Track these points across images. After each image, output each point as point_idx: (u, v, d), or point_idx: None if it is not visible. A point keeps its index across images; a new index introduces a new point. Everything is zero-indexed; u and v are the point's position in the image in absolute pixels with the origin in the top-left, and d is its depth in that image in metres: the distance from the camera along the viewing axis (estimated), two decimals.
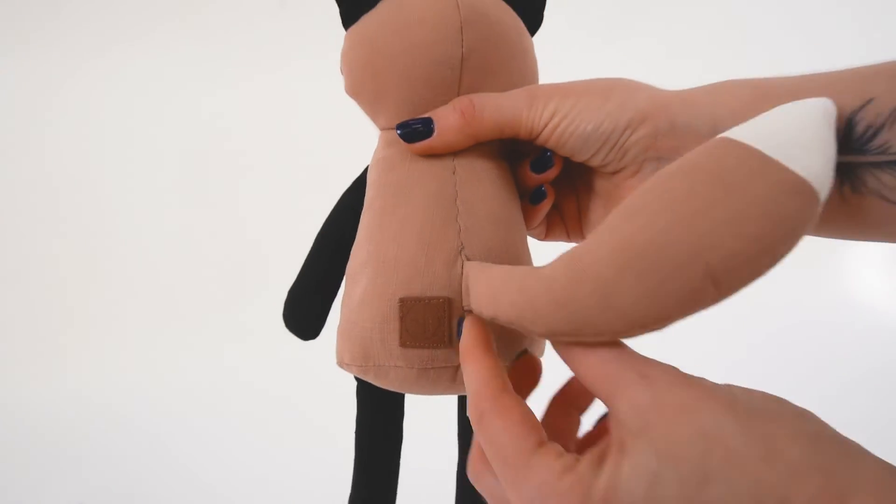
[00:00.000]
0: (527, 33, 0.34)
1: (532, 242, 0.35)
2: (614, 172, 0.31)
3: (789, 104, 0.24)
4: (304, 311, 0.34)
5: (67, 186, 1.47)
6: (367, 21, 0.31)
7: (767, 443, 0.20)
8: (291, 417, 1.18)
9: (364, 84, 0.32)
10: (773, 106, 0.25)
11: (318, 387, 0.96)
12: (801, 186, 0.21)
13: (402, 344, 0.29)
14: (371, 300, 0.30)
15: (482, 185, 0.31)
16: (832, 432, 0.21)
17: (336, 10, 0.32)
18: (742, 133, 0.23)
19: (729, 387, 0.22)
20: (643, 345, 0.23)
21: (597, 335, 0.23)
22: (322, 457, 0.91)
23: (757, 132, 0.22)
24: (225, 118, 1.46)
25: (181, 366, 1.33)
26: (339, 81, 0.34)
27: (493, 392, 0.25)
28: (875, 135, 0.24)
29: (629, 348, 0.24)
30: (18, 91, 1.48)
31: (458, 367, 0.29)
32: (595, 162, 0.31)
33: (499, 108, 0.30)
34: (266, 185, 1.44)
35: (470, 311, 0.29)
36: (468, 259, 0.29)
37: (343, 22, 0.33)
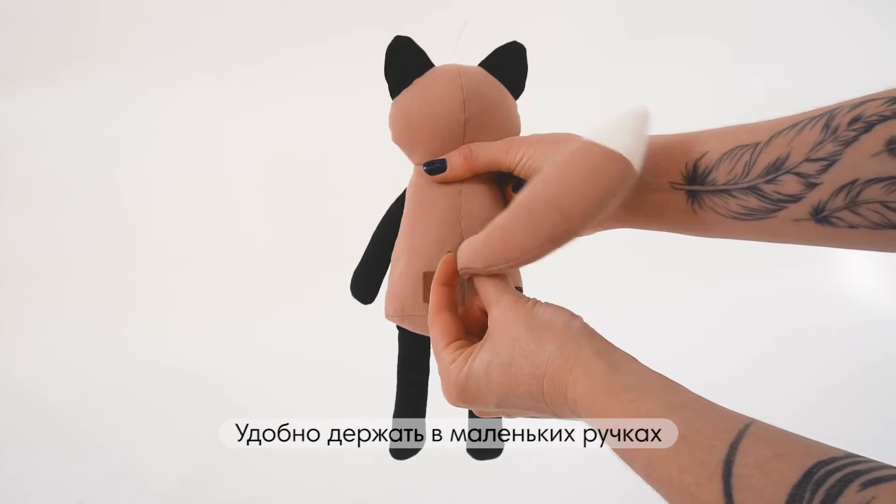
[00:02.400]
0: (511, 99, 0.51)
1: None
2: None
3: (621, 111, 0.40)
4: (365, 283, 0.52)
5: (146, 179, 1.60)
6: (406, 95, 0.49)
7: (540, 342, 0.38)
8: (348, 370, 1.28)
9: (403, 137, 0.50)
10: (652, 158, 0.42)
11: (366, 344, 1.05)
12: (613, 155, 0.38)
13: (424, 300, 0.47)
14: (406, 274, 0.48)
15: (479, 201, 0.48)
16: (577, 333, 0.38)
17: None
18: (587, 130, 0.41)
19: (535, 307, 0.40)
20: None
21: (509, 261, 0.40)
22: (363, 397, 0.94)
23: (593, 128, 0.40)
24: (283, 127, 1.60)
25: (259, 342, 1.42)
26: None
27: (433, 316, 0.44)
28: (708, 174, 0.40)
29: (504, 278, 0.42)
30: (99, 109, 1.64)
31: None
32: None
33: (488, 153, 0.47)
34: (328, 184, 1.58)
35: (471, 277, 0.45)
36: None
37: (391, 95, 0.50)
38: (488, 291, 0.42)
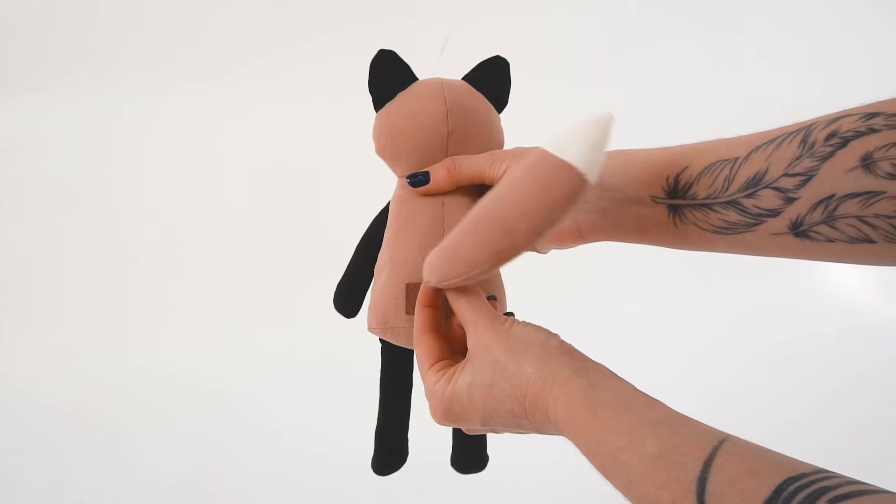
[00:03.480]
0: (494, 113, 0.51)
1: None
2: None
3: (579, 119, 0.36)
4: (349, 296, 0.51)
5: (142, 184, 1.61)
6: (389, 108, 0.49)
7: (520, 363, 0.38)
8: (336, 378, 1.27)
9: (386, 150, 0.50)
10: (634, 171, 0.42)
11: (348, 357, 1.06)
12: (565, 166, 0.35)
13: (407, 311, 0.47)
14: (389, 286, 0.48)
15: (462, 213, 0.47)
16: (555, 352, 0.38)
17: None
18: (544, 141, 0.38)
19: (513, 327, 0.40)
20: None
21: (458, 276, 0.40)
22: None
23: (550, 138, 0.37)
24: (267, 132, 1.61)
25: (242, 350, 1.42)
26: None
27: (417, 337, 0.45)
28: (689, 188, 0.40)
29: (479, 298, 0.43)
30: (92, 118, 1.64)
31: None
32: None
33: (471, 166, 0.47)
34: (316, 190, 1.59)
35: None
36: None
37: (374, 108, 0.50)
38: (465, 313, 0.42)
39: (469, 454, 0.55)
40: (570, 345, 0.39)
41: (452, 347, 0.45)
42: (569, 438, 0.36)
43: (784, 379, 1.36)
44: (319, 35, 1.63)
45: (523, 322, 0.41)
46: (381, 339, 0.51)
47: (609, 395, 0.34)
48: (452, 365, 0.43)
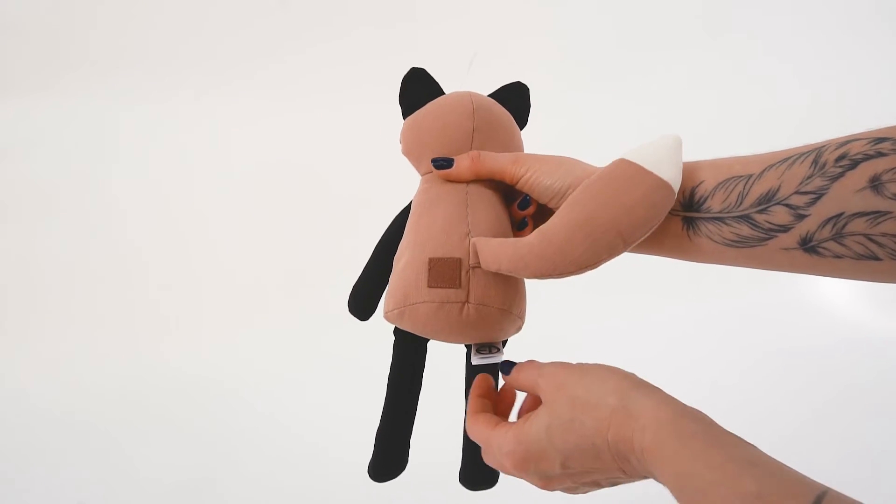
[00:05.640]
0: (514, 123, 0.53)
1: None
2: None
3: (658, 137, 0.44)
4: (365, 297, 0.52)
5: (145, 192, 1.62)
6: (418, 113, 0.52)
7: (599, 397, 0.39)
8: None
9: (413, 147, 0.52)
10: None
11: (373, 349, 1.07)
12: (663, 184, 0.42)
13: (429, 285, 0.46)
14: (411, 263, 0.48)
15: (484, 202, 0.50)
16: (635, 384, 0.39)
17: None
18: (632, 155, 0.44)
19: (583, 365, 0.42)
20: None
21: (560, 274, 0.43)
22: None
23: (639, 154, 0.43)
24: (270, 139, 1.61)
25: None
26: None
27: (470, 416, 0.47)
28: (704, 201, 0.42)
29: (536, 363, 0.45)
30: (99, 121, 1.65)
31: (463, 304, 0.46)
32: (553, 205, 0.49)
33: (494, 161, 0.49)
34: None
35: (477, 266, 0.46)
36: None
37: (403, 116, 0.53)
38: (526, 372, 0.44)
39: (480, 468, 0.52)
40: (647, 381, 0.40)
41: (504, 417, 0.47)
42: (653, 471, 0.36)
43: (773, 392, 1.37)
44: (323, 41, 1.65)
45: (592, 363, 0.42)
46: (395, 331, 0.51)
47: (700, 427, 0.35)
48: (511, 425, 0.43)
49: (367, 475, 0.51)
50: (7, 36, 1.61)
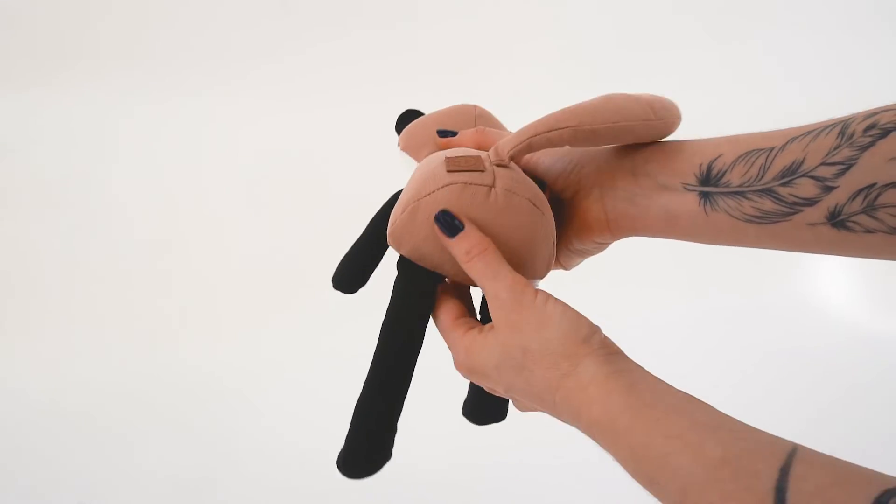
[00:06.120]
0: None
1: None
2: (573, 196, 0.47)
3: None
4: (353, 269, 0.46)
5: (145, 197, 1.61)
6: (418, 119, 0.51)
7: (553, 358, 0.36)
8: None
9: (413, 139, 0.50)
10: (666, 157, 0.42)
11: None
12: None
13: (449, 170, 0.41)
14: (424, 170, 0.42)
15: None
16: (591, 349, 0.36)
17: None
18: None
19: (547, 306, 0.38)
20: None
21: (602, 123, 0.41)
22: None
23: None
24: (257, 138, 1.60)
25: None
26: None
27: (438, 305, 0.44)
28: (722, 176, 0.40)
29: (502, 263, 0.39)
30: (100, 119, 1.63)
31: (491, 188, 0.41)
32: (558, 186, 0.47)
33: (500, 135, 0.47)
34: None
35: (500, 163, 0.42)
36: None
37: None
38: (486, 282, 0.39)
39: (488, 401, 0.47)
40: (613, 343, 0.37)
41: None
42: (603, 446, 0.34)
43: (773, 393, 1.36)
44: (322, 41, 1.63)
45: (558, 302, 0.38)
46: (398, 262, 0.43)
47: (655, 397, 0.32)
48: (474, 323, 0.42)
49: (337, 468, 0.40)
50: (6, 29, 1.59)
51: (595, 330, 0.37)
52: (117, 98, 1.61)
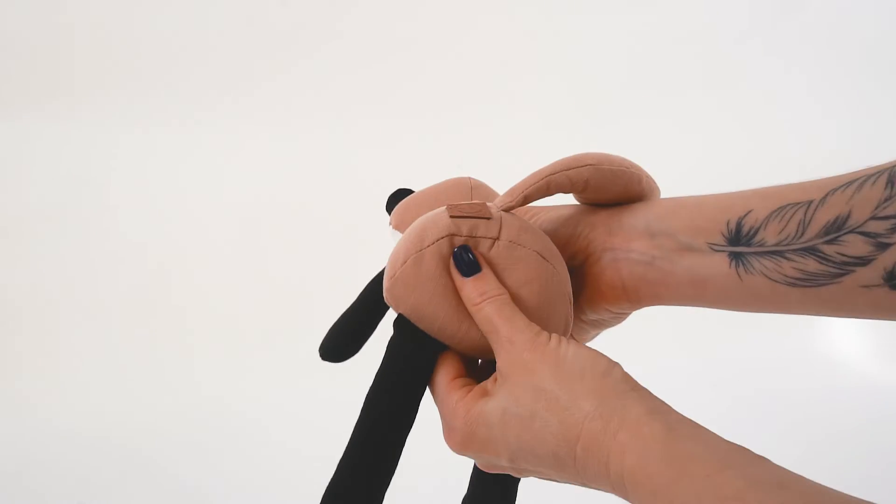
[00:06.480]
0: None
1: None
2: (582, 263, 0.42)
3: None
4: (347, 334, 0.40)
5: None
6: (411, 196, 0.47)
7: (572, 396, 0.31)
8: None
9: (409, 213, 0.45)
10: (686, 214, 0.37)
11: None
12: None
13: (451, 215, 0.37)
14: (422, 219, 0.38)
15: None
16: (618, 386, 0.31)
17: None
18: None
19: (560, 347, 0.33)
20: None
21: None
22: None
23: None
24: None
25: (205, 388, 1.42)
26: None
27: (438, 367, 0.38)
28: (754, 234, 0.35)
29: (513, 308, 0.35)
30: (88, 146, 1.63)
31: (495, 240, 0.37)
32: (566, 254, 0.41)
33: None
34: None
35: (506, 210, 0.39)
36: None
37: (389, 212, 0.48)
38: (496, 324, 0.34)
39: (493, 494, 0.41)
40: (635, 379, 0.32)
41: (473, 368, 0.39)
42: (636, 502, 0.28)
43: (769, 435, 1.29)
44: (314, 62, 1.63)
45: (574, 342, 0.34)
46: (395, 322, 0.38)
47: (699, 446, 0.27)
48: (473, 384, 0.36)
49: None
50: None
51: (615, 364, 0.33)
52: (105, 125, 1.62)
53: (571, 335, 0.42)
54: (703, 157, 1.52)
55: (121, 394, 1.41)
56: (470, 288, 0.36)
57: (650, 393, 0.31)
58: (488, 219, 0.37)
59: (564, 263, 0.39)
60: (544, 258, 0.37)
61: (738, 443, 0.28)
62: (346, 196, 1.50)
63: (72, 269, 1.56)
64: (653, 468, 0.27)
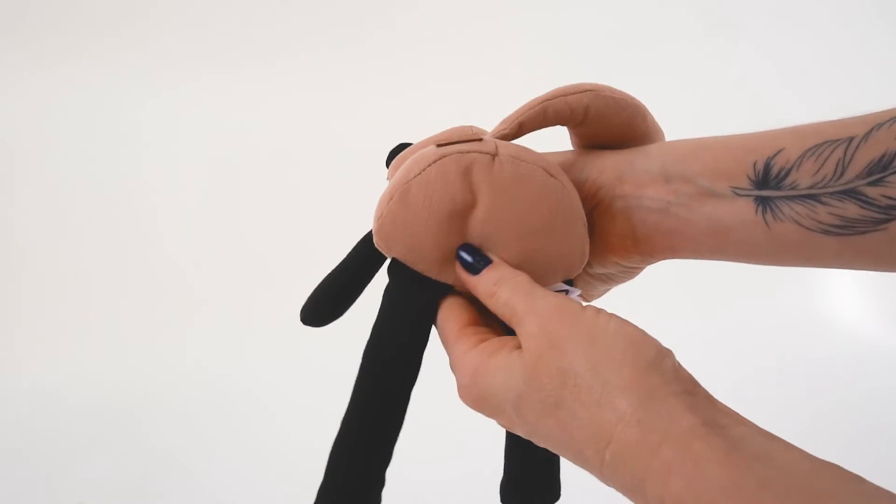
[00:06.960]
0: None
1: None
2: (590, 212, 0.37)
3: None
4: (330, 298, 0.35)
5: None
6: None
7: (605, 390, 0.25)
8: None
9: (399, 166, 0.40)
10: (709, 155, 0.33)
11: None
12: None
13: (439, 145, 0.33)
14: (409, 160, 0.34)
15: None
16: (663, 385, 0.25)
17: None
18: None
19: (599, 318, 0.27)
20: None
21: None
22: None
23: None
24: (238, 120, 1.61)
25: (193, 361, 1.41)
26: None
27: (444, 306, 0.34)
28: (785, 175, 0.31)
29: (529, 281, 0.31)
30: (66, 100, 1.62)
31: (494, 156, 0.33)
32: None
33: None
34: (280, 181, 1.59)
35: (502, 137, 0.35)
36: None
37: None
38: (513, 303, 0.29)
39: (536, 477, 0.36)
40: (691, 375, 0.26)
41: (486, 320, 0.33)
42: None
43: (771, 401, 1.27)
44: (322, 36, 1.60)
45: (615, 316, 0.28)
46: (389, 268, 0.34)
47: (774, 470, 0.21)
48: (489, 335, 0.31)
49: None
50: None
51: (666, 354, 0.26)
52: (118, 82, 1.61)
53: None
54: (700, 112, 1.48)
55: (116, 363, 1.40)
56: (483, 281, 0.31)
57: (709, 396, 0.25)
58: (480, 140, 0.33)
59: (571, 183, 0.35)
60: (551, 174, 0.33)
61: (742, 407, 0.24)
62: (345, 156, 1.47)
63: (70, 235, 1.55)
64: (708, 498, 0.21)
